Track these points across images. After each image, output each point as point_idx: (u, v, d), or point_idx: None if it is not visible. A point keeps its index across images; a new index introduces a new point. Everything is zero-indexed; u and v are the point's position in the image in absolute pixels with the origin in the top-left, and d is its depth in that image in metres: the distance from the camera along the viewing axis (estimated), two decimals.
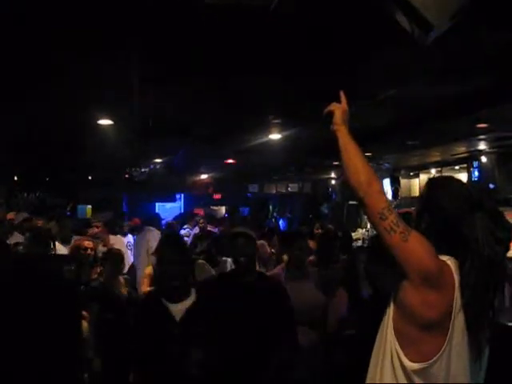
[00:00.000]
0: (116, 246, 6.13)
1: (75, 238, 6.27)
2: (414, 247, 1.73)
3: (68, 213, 14.81)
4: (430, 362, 1.76)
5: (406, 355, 1.80)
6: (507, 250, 1.82)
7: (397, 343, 1.81)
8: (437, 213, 1.88)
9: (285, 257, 6.66)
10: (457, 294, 1.77)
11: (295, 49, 3.81)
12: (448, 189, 1.93)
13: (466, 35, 3.28)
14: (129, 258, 6.58)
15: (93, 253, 5.08)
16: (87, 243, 5.28)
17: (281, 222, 16.04)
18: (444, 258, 1.82)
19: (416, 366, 1.77)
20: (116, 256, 4.79)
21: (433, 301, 1.74)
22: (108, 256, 4.80)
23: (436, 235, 1.86)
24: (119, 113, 6.06)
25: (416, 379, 1.78)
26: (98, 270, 4.73)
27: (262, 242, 7.85)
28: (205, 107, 5.85)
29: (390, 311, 1.86)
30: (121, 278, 4.76)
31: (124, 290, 4.57)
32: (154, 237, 7.41)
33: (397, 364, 1.82)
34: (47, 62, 4.24)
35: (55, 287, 2.49)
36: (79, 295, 2.97)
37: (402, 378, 1.81)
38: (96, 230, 6.55)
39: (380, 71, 4.35)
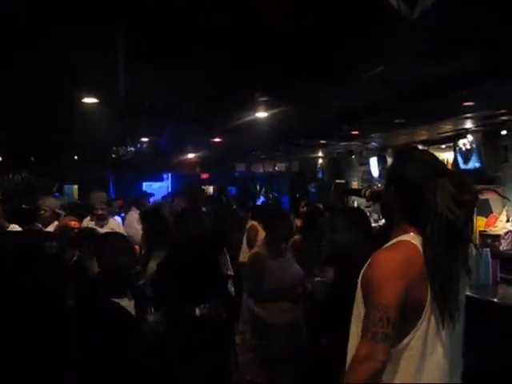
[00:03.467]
0: (115, 228, 6.07)
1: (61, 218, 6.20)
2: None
3: (56, 193, 14.72)
4: (406, 339, 1.77)
5: None
6: (471, 213, 1.86)
7: None
8: (401, 182, 1.91)
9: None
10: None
11: (282, 25, 3.77)
12: (412, 158, 1.97)
13: (452, 12, 3.27)
14: None
15: None
16: (74, 223, 5.24)
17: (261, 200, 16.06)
18: (408, 237, 1.86)
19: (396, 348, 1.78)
20: (91, 236, 4.39)
21: (412, 288, 1.76)
22: (83, 236, 4.46)
23: (401, 206, 1.91)
24: (104, 91, 5.99)
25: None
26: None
27: (252, 223, 7.95)
28: (190, 85, 5.79)
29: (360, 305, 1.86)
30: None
31: None
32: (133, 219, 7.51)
33: None
34: (30, 40, 4.16)
35: (37, 262, 2.47)
36: (63, 272, 2.94)
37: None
38: (100, 211, 6.31)
39: (366, 49, 4.32)
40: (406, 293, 1.73)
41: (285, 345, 4.31)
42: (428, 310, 1.77)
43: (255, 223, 7.99)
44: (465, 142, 8.17)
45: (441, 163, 1.97)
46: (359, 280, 1.87)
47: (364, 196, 4.37)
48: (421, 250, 1.80)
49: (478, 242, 6.87)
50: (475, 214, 7.02)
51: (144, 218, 5.82)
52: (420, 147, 9.88)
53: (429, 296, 1.77)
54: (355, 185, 13.17)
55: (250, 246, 7.88)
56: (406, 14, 2.50)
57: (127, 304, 2.93)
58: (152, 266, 4.54)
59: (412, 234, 1.85)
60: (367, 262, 1.85)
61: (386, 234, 1.98)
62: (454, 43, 4.11)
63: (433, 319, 1.78)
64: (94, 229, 4.99)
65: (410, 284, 1.74)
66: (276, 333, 4.31)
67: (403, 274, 1.75)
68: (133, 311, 2.97)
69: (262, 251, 4.54)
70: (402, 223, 1.89)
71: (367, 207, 9.96)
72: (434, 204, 1.77)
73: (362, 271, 1.86)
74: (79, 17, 3.61)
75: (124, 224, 8.05)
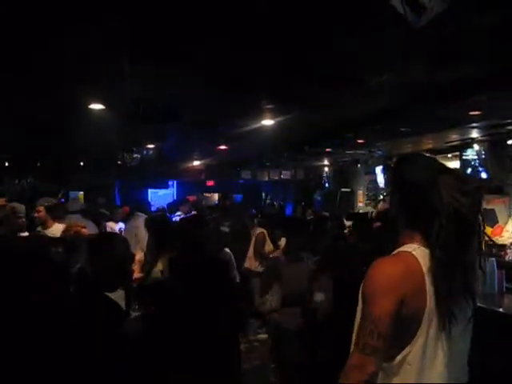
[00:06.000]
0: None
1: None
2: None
3: (62, 199, 14.75)
4: (406, 350, 1.75)
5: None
6: (477, 202, 1.82)
7: None
8: (406, 187, 1.90)
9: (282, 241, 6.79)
10: (427, 280, 1.76)
11: (287, 33, 3.78)
12: (412, 162, 1.97)
13: (459, 20, 3.26)
14: None
15: None
16: (84, 230, 5.21)
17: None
18: (410, 247, 1.84)
19: (393, 361, 1.76)
20: (87, 240, 4.20)
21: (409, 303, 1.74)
22: (81, 241, 4.28)
23: (407, 211, 1.90)
24: (111, 97, 6.01)
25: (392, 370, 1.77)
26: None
27: (260, 230, 8.03)
28: (197, 92, 5.80)
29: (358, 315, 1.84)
30: None
31: None
32: (141, 223, 7.51)
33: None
34: (36, 45, 4.18)
35: (40, 268, 2.46)
36: (70, 279, 2.92)
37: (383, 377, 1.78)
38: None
39: (372, 57, 4.32)
40: (401, 306, 1.70)
41: (299, 350, 4.34)
42: (425, 323, 1.74)
43: (264, 231, 8.10)
44: (471, 152, 8.14)
45: (441, 163, 1.96)
46: (360, 289, 1.85)
47: (371, 219, 4.36)
48: (420, 261, 1.77)
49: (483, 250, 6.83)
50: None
51: (150, 224, 5.82)
52: None
53: (427, 308, 1.74)
54: (361, 194, 13.16)
55: (257, 253, 7.95)
56: (413, 22, 2.48)
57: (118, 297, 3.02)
58: (157, 271, 4.54)
59: (416, 244, 1.83)
60: (367, 272, 1.82)
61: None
62: (460, 52, 4.11)
63: (432, 332, 1.75)
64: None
65: (406, 296, 1.72)
66: (291, 337, 4.36)
67: (398, 288, 1.72)
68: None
69: (280, 257, 4.68)
70: (409, 230, 1.88)
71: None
72: (439, 197, 1.76)
73: (363, 281, 1.84)
74: (86, 21, 3.62)
75: (126, 228, 8.07)
